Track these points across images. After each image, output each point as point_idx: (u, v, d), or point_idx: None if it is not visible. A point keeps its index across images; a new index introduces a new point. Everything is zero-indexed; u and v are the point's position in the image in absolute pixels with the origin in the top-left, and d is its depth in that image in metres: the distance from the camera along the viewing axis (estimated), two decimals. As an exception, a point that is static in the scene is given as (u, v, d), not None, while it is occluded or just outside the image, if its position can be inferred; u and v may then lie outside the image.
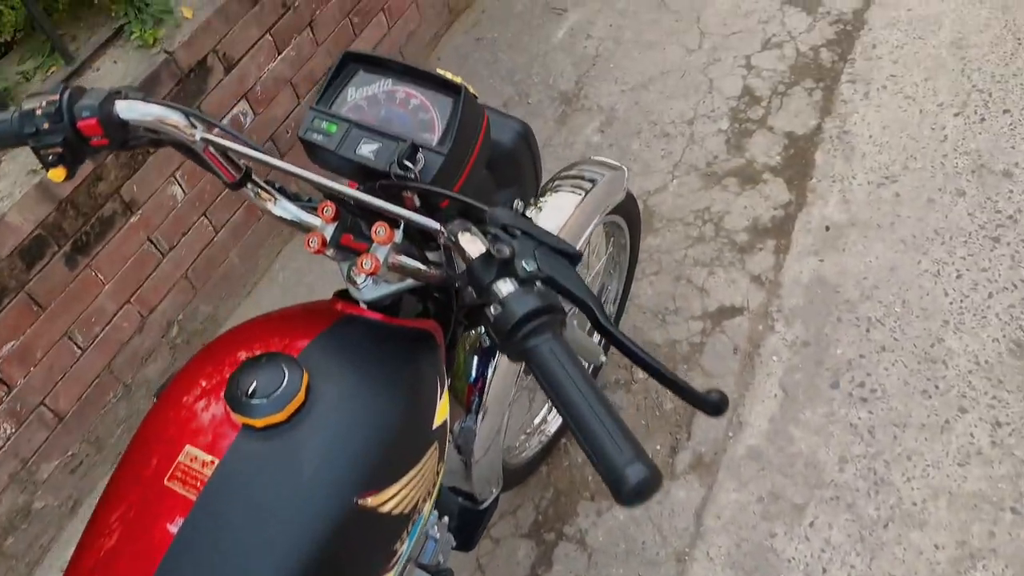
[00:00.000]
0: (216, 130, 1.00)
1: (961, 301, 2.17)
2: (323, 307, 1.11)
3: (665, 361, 2.22)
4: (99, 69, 2.06)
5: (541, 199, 1.66)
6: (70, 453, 2.12)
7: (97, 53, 2.07)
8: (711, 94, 2.80)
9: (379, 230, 0.97)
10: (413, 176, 0.95)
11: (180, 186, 2.20)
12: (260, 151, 0.99)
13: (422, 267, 1.01)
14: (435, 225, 0.88)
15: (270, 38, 2.35)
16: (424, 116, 1.00)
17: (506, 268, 0.78)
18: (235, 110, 2.30)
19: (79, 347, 2.06)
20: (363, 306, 1.09)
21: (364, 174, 1.00)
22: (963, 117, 2.55)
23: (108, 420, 2.20)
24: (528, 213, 1.22)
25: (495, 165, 1.10)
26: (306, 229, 1.08)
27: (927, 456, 1.94)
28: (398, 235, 0.98)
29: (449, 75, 1.00)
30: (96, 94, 0.96)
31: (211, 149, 1.01)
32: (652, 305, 2.32)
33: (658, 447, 2.08)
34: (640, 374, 2.21)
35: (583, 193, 1.65)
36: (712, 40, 2.98)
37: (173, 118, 0.99)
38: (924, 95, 2.63)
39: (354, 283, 1.07)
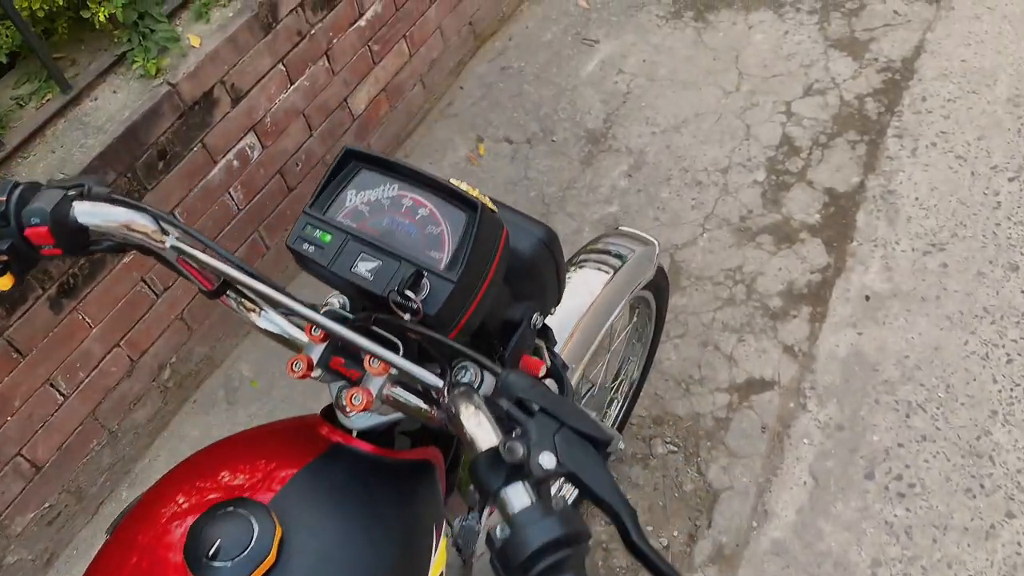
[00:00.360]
0: (191, 238, 0.86)
1: (1011, 389, 2.00)
2: (307, 430, 0.97)
3: (687, 436, 2.07)
4: (97, 99, 1.92)
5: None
6: (47, 504, 1.99)
7: (96, 81, 1.94)
8: (748, 141, 2.64)
9: (374, 361, 0.83)
10: (415, 307, 0.80)
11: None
12: (239, 264, 0.85)
13: (423, 406, 0.86)
14: (436, 382, 0.74)
15: (283, 67, 2.21)
16: (433, 230, 0.86)
17: (519, 470, 0.63)
18: (242, 143, 2.16)
19: (61, 394, 1.93)
20: (353, 434, 0.94)
21: (360, 293, 0.86)
22: (1019, 182, 2.38)
23: (90, 469, 2.07)
24: (547, 321, 1.07)
25: (513, 276, 0.95)
26: (296, 348, 0.94)
27: (969, 565, 1.78)
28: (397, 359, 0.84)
29: (465, 187, 0.85)
30: (49, 196, 0.81)
31: (184, 258, 0.86)
32: (676, 372, 2.17)
33: (675, 533, 1.93)
34: (660, 448, 2.06)
35: (611, 272, 1.50)
36: (751, 82, 2.82)
37: (140, 223, 0.85)
38: (976, 156, 2.46)
39: (343, 410, 0.93)
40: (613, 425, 1.97)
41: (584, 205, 2.57)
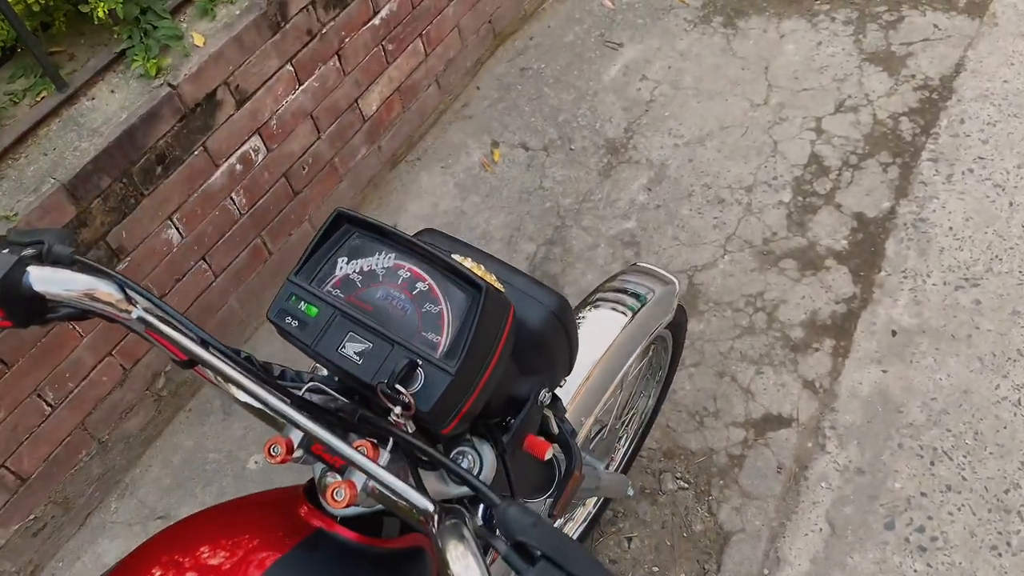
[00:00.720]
0: (160, 310, 0.77)
1: (1044, 440, 1.90)
2: (287, 511, 0.88)
3: (698, 473, 1.98)
4: (94, 98, 1.83)
5: (579, 315, 1.42)
6: (32, 516, 1.92)
7: (94, 79, 1.85)
8: (774, 158, 2.53)
9: (360, 448, 0.74)
10: (407, 401, 0.71)
11: (177, 229, 1.98)
12: (211, 343, 0.76)
13: (418, 502, 0.77)
14: (425, 506, 0.65)
15: (291, 68, 2.11)
16: (432, 308, 0.76)
17: None
18: (245, 147, 2.07)
19: (49, 404, 1.86)
20: (337, 519, 0.86)
21: (347, 376, 0.77)
22: (1059, 216, 2.26)
23: (78, 479, 2.00)
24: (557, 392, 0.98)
25: (520, 349, 0.86)
26: (277, 425, 0.85)
27: (992, 629, 1.68)
28: (383, 456, 0.75)
29: (470, 264, 0.76)
30: (1, 261, 0.72)
31: (152, 330, 0.77)
32: (690, 403, 2.07)
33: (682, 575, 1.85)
34: (669, 484, 1.97)
35: (629, 314, 1.41)
36: (780, 95, 2.70)
37: (104, 291, 0.76)
38: (1016, 185, 2.34)
39: (325, 493, 0.84)
40: (621, 463, 1.88)
41: (600, 219, 2.47)
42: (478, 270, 0.75)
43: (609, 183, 2.56)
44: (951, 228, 2.28)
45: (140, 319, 0.76)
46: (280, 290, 0.79)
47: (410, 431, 0.75)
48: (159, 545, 0.88)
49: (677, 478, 1.99)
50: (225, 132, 1.99)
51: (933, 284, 2.19)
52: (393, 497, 0.76)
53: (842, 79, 2.70)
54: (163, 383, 2.13)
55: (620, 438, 1.86)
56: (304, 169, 2.29)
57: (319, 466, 0.85)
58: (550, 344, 0.90)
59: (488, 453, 0.85)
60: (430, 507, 0.65)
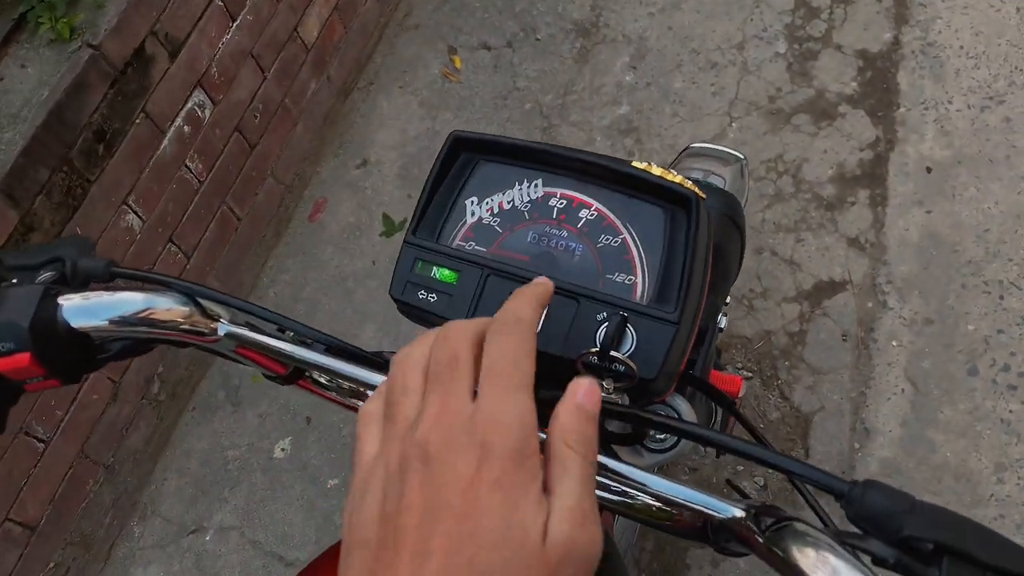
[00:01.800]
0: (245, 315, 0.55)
1: (1109, 249, 1.80)
2: None
3: (760, 359, 1.84)
4: (3, 78, 1.53)
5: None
6: (52, 565, 1.70)
7: (-4, 56, 1.54)
8: (758, 9, 2.32)
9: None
10: (627, 370, 0.52)
11: (136, 213, 1.71)
12: (324, 338, 0.55)
13: (718, 509, 0.58)
14: (731, 511, 0.46)
15: (220, 2, 1.81)
16: (611, 240, 0.56)
17: None
18: (190, 104, 1.79)
19: (41, 440, 1.62)
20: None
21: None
22: (1070, 12, 2.12)
23: (92, 512, 1.78)
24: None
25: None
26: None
27: (1102, 453, 1.61)
28: None
29: (658, 171, 0.56)
30: (20, 299, 0.50)
31: (245, 347, 0.56)
32: (734, 288, 1.91)
33: (770, 472, 1.72)
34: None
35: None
36: (747, -61, 2.47)
37: (168, 307, 0.54)
38: (1018, -12, 2.18)
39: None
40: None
41: (589, 111, 2.25)
42: (677, 178, 0.55)
43: (589, 69, 2.33)
44: (962, 47, 2.13)
45: (230, 335, 0.54)
46: (400, 257, 0.58)
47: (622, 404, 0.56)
48: None
49: (739, 369, 1.85)
50: (164, 91, 1.70)
51: (957, 110, 2.04)
52: (655, 503, 0.56)
53: (809, -91, 2.48)
54: (158, 387, 1.90)
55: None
56: (256, 117, 2.01)
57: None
58: (725, 253, 0.71)
59: (684, 407, 0.67)
60: (737, 512, 0.47)
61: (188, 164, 1.82)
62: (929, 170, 1.98)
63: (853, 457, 1.71)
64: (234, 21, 1.86)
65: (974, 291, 1.81)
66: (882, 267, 1.88)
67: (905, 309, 1.83)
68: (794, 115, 2.12)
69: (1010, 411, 1.68)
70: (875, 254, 1.90)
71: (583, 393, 0.38)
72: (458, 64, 2.40)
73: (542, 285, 0.44)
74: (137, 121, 1.65)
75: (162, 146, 1.74)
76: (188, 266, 1.89)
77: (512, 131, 2.25)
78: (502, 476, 0.34)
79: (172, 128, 1.75)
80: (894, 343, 1.80)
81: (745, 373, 1.84)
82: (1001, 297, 1.79)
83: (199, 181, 1.87)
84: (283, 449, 1.93)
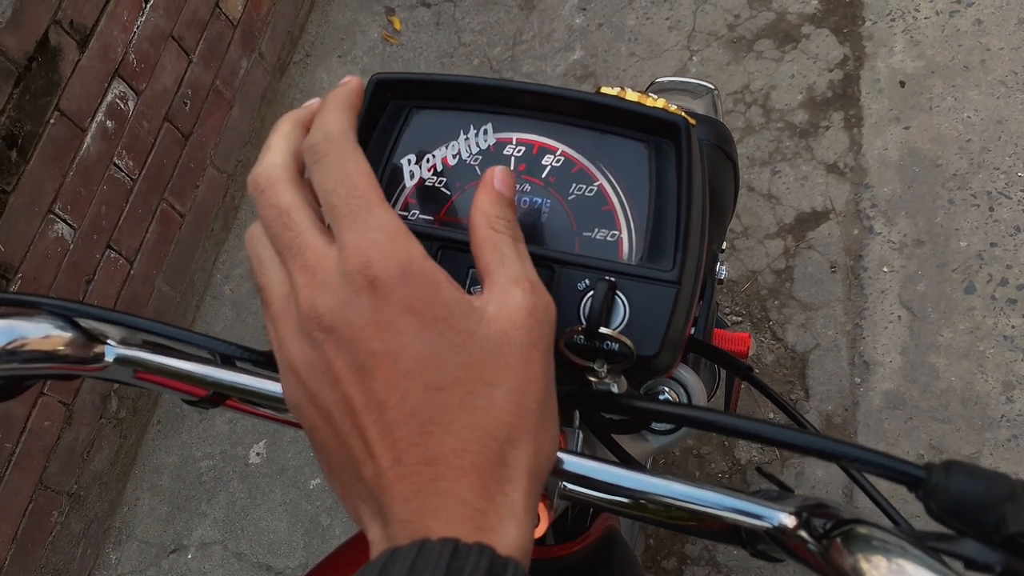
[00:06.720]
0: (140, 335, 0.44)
1: (1097, 146, 1.72)
2: None
3: (748, 301, 1.76)
4: None
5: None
6: (25, 605, 1.59)
7: None
8: (706, -67, 2.20)
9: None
10: (620, 348, 0.41)
11: (64, 222, 1.57)
12: (238, 353, 0.44)
13: (770, 517, 0.48)
14: (782, 519, 0.36)
15: (128, -18, 1.66)
16: (584, 189, 0.45)
17: None
18: (110, 96, 1.64)
19: (-8, 478, 1.50)
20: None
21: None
22: (1032, -98, 2.02)
23: (63, 544, 1.67)
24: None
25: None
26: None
27: (1112, 360, 1.54)
28: (574, 437, 0.48)
29: (634, 95, 0.45)
30: None
31: (143, 371, 0.45)
32: (713, 231, 1.83)
33: (772, 415, 1.65)
34: (721, 324, 1.74)
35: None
36: None
37: (40, 335, 0.42)
38: None
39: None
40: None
41: (542, 59, 2.12)
42: (659, 103, 0.44)
43: (536, 16, 2.20)
44: (923, -49, 2.02)
45: (120, 360, 0.43)
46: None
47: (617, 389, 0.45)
48: None
49: (727, 314, 1.76)
50: (78, 85, 1.56)
51: (925, 18, 1.94)
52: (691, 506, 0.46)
53: None
54: (116, 404, 1.77)
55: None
56: (186, 104, 1.87)
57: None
58: (720, 191, 0.61)
59: (693, 381, 0.57)
60: (785, 518, 0.37)
61: (117, 162, 1.68)
62: (903, 84, 1.88)
63: (855, 393, 1.63)
64: (147, 2, 1.71)
65: (962, 205, 1.73)
66: (864, 191, 1.80)
67: (893, 232, 1.74)
68: (756, 41, 2.02)
69: (1012, 326, 1.61)
70: (856, 178, 1.81)
71: (499, 180, 0.38)
72: (397, 25, 2.26)
73: (343, 85, 0.41)
74: (52, 121, 1.51)
75: (84, 145, 1.59)
76: (132, 272, 1.76)
77: (462, 90, 2.13)
78: (406, 299, 0.32)
79: (93, 124, 1.61)
80: (885, 269, 1.71)
81: (734, 318, 1.76)
82: (991, 208, 1.71)
83: (132, 179, 1.73)
84: (258, 453, 1.82)
